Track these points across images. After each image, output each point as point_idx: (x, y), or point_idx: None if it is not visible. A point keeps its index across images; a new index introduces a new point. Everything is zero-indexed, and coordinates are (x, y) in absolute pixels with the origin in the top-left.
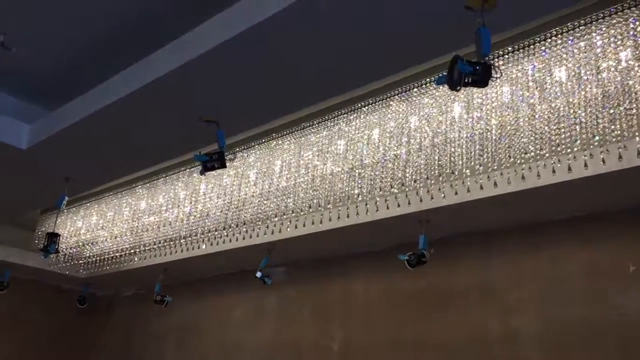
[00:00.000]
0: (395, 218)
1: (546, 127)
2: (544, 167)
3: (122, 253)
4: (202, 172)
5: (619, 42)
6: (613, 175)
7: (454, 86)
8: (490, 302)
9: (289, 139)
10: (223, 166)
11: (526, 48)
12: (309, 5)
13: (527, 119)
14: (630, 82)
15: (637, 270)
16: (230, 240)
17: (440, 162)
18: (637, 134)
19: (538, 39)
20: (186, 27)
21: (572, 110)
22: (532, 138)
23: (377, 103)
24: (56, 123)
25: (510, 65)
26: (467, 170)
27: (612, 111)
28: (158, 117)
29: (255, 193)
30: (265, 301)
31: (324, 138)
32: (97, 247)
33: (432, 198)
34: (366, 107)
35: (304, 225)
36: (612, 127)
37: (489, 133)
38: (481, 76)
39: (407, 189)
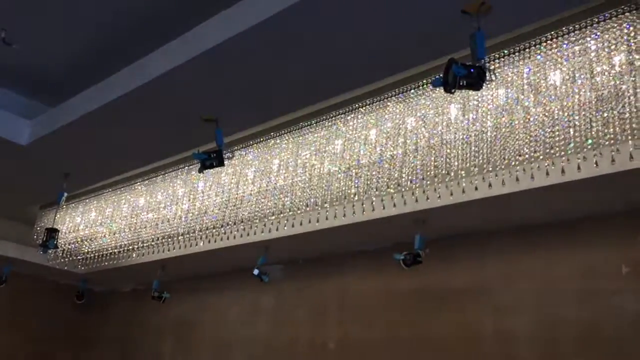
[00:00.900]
0: (391, 218)
1: (540, 130)
2: (538, 169)
3: (120, 249)
4: (200, 170)
5: (612, 47)
6: (606, 178)
7: (449, 88)
8: (484, 302)
9: (287, 138)
10: (221, 164)
11: (522, 51)
12: (309, 6)
13: (521, 121)
14: (624, 87)
15: (630, 271)
16: (228, 238)
17: (436, 163)
18: (629, 137)
19: (534, 42)
20: (187, 26)
21: (566, 114)
22: (526, 140)
23: (374, 104)
24: (57, 119)
25: (506, 68)
26: (463, 172)
27: (605, 115)
28: (157, 115)
29: (253, 191)
30: (262, 299)
31: (321, 138)
32: (96, 243)
33: (427, 199)
34: (364, 108)
35: (300, 224)
36: (606, 130)
37: (484, 135)
38: (475, 79)
39: (403, 189)
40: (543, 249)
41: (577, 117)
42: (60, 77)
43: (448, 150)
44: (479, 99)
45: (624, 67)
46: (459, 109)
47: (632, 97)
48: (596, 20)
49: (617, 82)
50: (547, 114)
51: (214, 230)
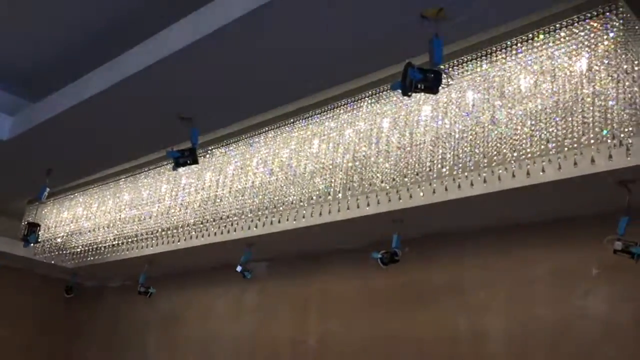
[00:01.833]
0: (370, 217)
1: (507, 132)
2: (505, 171)
3: (107, 244)
4: (174, 168)
5: (575, 53)
6: (572, 182)
7: (405, 92)
8: (461, 301)
9: (264, 137)
10: (195, 162)
11: (488, 55)
12: (284, 4)
13: (487, 124)
14: (585, 91)
15: (600, 273)
16: (210, 235)
17: (410, 163)
18: (592, 142)
19: (499, 47)
20: (167, 23)
21: (531, 117)
22: (494, 143)
23: (349, 104)
24: (38, 115)
25: (473, 72)
26: (434, 173)
27: (569, 119)
28: (135, 113)
29: (233, 189)
30: (246, 295)
31: (301, 136)
32: (83, 238)
33: (400, 199)
34: (339, 108)
35: (279, 222)
36: (569, 135)
37: (452, 137)
38: (432, 83)
39: (380, 189)
40: (518, 250)
41: (542, 121)
42: (42, 73)
43: (420, 152)
44: (448, 101)
45: (585, 73)
46: (432, 109)
47: (595, 102)
48: (558, 26)
49: (579, 87)
50: (511, 117)
51: (196, 227)
